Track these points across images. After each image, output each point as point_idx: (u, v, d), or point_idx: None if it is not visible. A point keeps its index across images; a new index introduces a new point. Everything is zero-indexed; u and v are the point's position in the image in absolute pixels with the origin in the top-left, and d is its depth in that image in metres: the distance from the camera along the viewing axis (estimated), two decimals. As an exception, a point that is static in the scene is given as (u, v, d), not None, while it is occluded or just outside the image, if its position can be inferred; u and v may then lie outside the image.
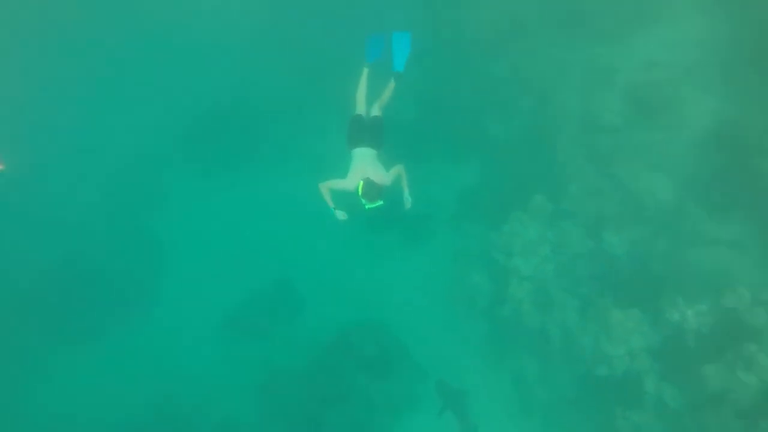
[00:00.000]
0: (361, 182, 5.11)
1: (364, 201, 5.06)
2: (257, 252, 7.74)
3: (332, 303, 7.56)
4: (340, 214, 5.28)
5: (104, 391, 7.19)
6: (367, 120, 5.84)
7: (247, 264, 7.69)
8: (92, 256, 7.63)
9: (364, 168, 5.36)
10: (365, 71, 6.12)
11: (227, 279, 7.65)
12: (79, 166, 7.46)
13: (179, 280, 7.89)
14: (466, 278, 7.94)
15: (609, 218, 7.05)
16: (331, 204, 5.36)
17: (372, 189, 5.04)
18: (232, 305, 7.61)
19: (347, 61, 7.06)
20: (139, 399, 7.05)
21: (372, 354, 7.30)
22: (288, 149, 8.54)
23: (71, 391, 7.28)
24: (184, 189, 8.27)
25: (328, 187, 5.34)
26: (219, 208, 8.18)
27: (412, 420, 7.17)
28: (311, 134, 8.62)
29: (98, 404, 7.09)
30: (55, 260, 7.57)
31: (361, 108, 5.94)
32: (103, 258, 7.67)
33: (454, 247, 8.10)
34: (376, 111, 5.91)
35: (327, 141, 8.22)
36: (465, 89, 8.81)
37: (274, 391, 7.08)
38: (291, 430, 6.90)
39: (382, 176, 5.29)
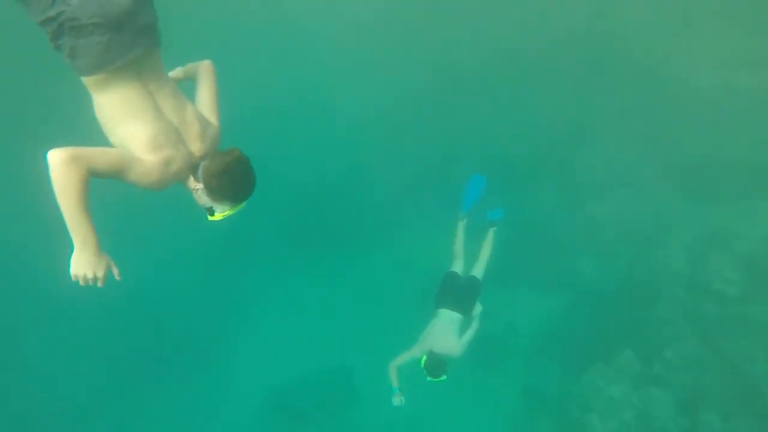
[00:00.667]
0: (424, 356, 4.74)
1: (426, 374, 4.65)
2: (324, 341, 7.34)
3: (383, 407, 6.82)
4: (398, 400, 4.86)
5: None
6: (463, 280, 5.42)
7: (310, 349, 7.29)
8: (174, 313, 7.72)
9: (438, 335, 4.97)
10: (461, 224, 5.94)
11: (287, 358, 7.27)
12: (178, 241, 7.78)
13: (242, 347, 7.66)
14: (533, 421, 6.87)
15: (711, 398, 5.82)
16: (395, 383, 4.97)
17: (435, 365, 4.68)
18: (283, 383, 7.18)
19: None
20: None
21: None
22: (376, 242, 8.41)
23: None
24: (271, 266, 8.27)
25: (397, 364, 5.01)
26: (301, 290, 8.06)
27: None
28: (399, 229, 8.42)
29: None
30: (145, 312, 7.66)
31: (458, 264, 5.57)
32: (181, 315, 7.72)
33: (526, 383, 7.14)
34: (477, 271, 5.55)
35: (415, 237, 7.98)
36: (564, 226, 8.29)
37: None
38: None
39: (452, 347, 4.88)
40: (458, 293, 5.23)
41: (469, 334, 5.00)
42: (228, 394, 7.13)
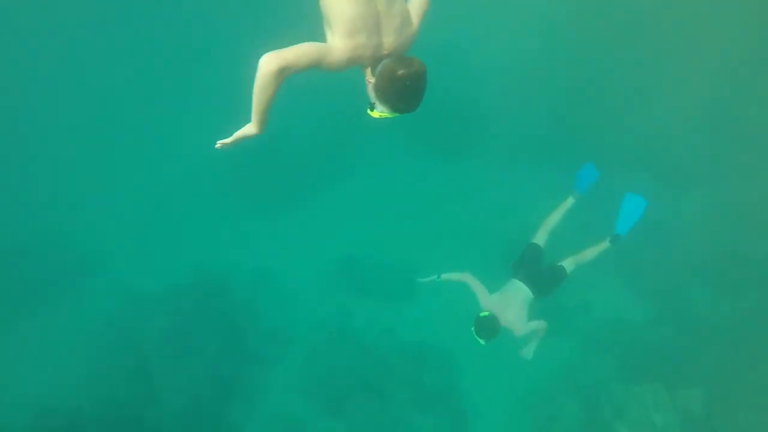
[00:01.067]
0: (485, 314, 4.28)
1: (472, 330, 4.28)
2: (407, 233, 7.17)
3: (428, 316, 6.75)
4: (432, 278, 4.68)
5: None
6: (547, 263, 4.79)
7: (393, 234, 7.17)
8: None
9: (509, 305, 4.50)
10: (570, 201, 5.05)
11: (370, 232, 7.25)
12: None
13: (335, 204, 7.71)
14: (561, 400, 6.53)
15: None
16: (445, 277, 4.63)
17: (488, 329, 4.25)
18: (356, 253, 7.24)
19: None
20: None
21: (429, 383, 6.38)
22: (492, 166, 7.87)
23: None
24: (392, 147, 8.02)
25: (468, 281, 4.55)
26: (409, 178, 7.83)
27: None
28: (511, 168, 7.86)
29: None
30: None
31: (541, 237, 4.95)
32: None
33: (573, 363, 6.69)
34: (568, 263, 4.79)
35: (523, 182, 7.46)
36: (700, 243, 7.15)
37: (334, 342, 6.63)
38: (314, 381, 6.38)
39: (518, 327, 4.42)
40: (538, 274, 4.70)
41: (537, 326, 4.52)
42: (307, 241, 7.34)
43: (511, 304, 4.48)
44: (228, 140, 2.20)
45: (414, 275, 7.02)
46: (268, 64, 1.94)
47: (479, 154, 8.03)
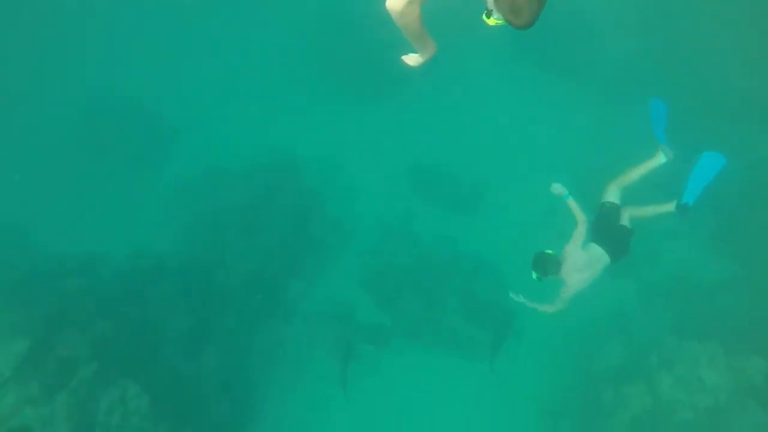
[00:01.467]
0: (551, 253, 4.00)
1: (535, 256, 4.02)
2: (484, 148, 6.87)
3: (490, 232, 6.64)
4: (557, 191, 4.29)
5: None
6: (621, 226, 4.34)
7: (472, 147, 6.96)
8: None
9: (586, 269, 4.13)
10: (658, 158, 4.31)
11: (450, 141, 7.09)
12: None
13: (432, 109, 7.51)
14: (605, 340, 6.37)
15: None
16: (570, 201, 4.26)
17: (544, 267, 3.97)
18: (429, 160, 7.13)
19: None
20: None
21: (479, 296, 6.44)
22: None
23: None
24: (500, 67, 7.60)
25: (580, 222, 4.20)
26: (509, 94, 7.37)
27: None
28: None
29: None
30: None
31: (614, 192, 4.40)
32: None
33: (626, 309, 6.44)
34: (626, 219, 4.31)
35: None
36: None
37: (393, 241, 6.75)
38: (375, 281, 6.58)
39: (572, 289, 4.04)
40: (616, 237, 4.25)
41: (565, 300, 4.22)
42: (383, 140, 7.26)
43: (587, 270, 4.22)
44: (410, 62, 2.32)
45: (484, 190, 6.89)
46: (395, 8, 1.92)
47: (581, 73, 7.36)
